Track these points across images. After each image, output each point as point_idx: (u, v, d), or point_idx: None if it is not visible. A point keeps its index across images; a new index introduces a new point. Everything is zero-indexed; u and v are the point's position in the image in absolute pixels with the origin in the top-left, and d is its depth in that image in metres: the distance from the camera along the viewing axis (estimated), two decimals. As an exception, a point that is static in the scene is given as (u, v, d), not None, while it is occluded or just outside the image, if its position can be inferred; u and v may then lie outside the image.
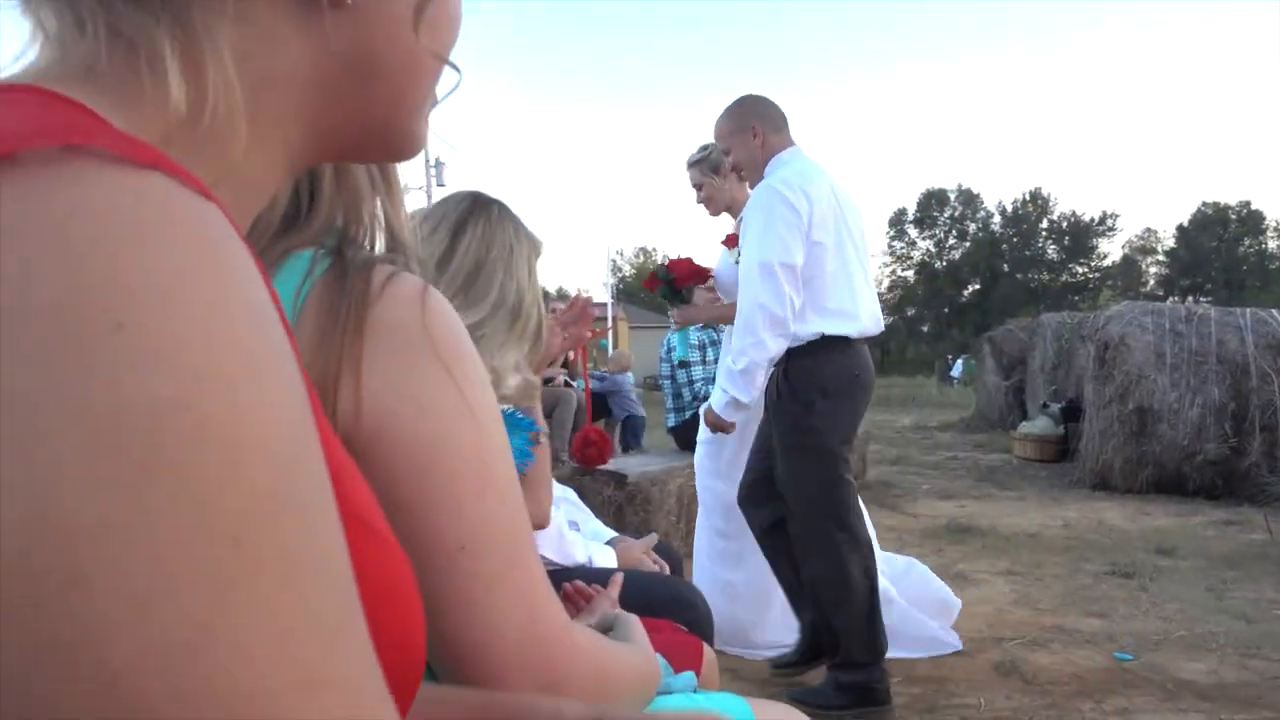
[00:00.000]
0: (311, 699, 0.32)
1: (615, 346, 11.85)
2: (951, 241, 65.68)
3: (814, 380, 2.73)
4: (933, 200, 65.18)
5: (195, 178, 0.35)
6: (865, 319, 2.80)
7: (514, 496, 0.70)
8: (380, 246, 0.76)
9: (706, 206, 3.43)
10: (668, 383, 5.44)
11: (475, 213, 1.50)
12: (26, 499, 0.27)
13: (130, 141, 0.34)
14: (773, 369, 2.81)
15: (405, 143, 0.57)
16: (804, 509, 2.77)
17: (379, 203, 0.75)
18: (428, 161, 25.26)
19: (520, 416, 1.47)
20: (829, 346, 2.73)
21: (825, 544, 2.73)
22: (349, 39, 0.49)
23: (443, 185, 25.42)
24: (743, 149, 2.91)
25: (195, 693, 0.29)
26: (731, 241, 3.42)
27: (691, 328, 5.31)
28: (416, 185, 24.86)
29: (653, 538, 2.28)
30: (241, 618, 0.30)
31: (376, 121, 0.54)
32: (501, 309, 1.44)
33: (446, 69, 0.57)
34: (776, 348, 2.68)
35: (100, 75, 0.42)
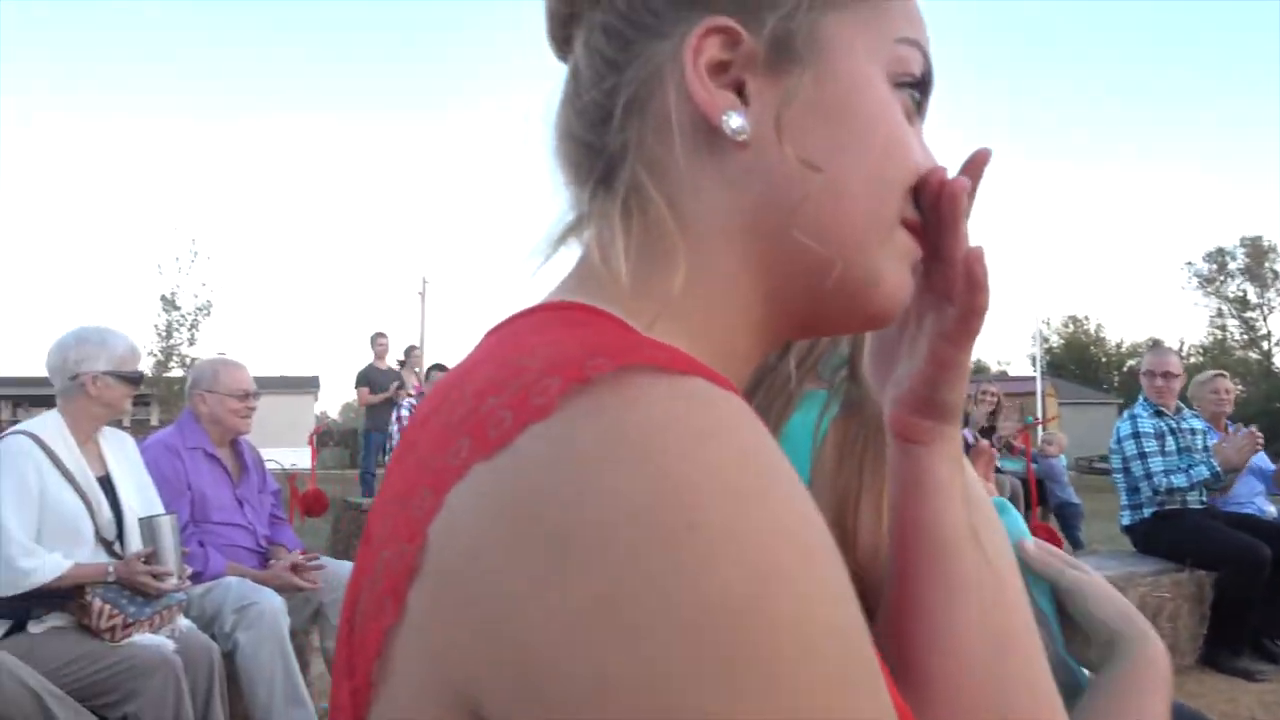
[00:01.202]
0: None
1: (1044, 424, 10.98)
2: None
3: None
4: None
5: (723, 377, 0.39)
6: None
7: None
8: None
9: None
10: (1120, 476, 4.88)
11: None
12: (638, 689, 0.31)
13: (667, 350, 0.39)
14: None
15: (868, 292, 0.51)
16: None
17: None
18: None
19: None
20: None
21: None
22: (757, 178, 0.48)
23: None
24: None
25: None
26: None
27: (1144, 413, 4.79)
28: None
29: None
30: None
31: (823, 270, 0.49)
32: None
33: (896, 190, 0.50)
34: None
35: (595, 273, 0.48)
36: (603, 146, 0.50)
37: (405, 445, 0.43)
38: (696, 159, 0.48)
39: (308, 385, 35.34)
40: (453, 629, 0.35)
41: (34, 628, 2.43)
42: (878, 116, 0.49)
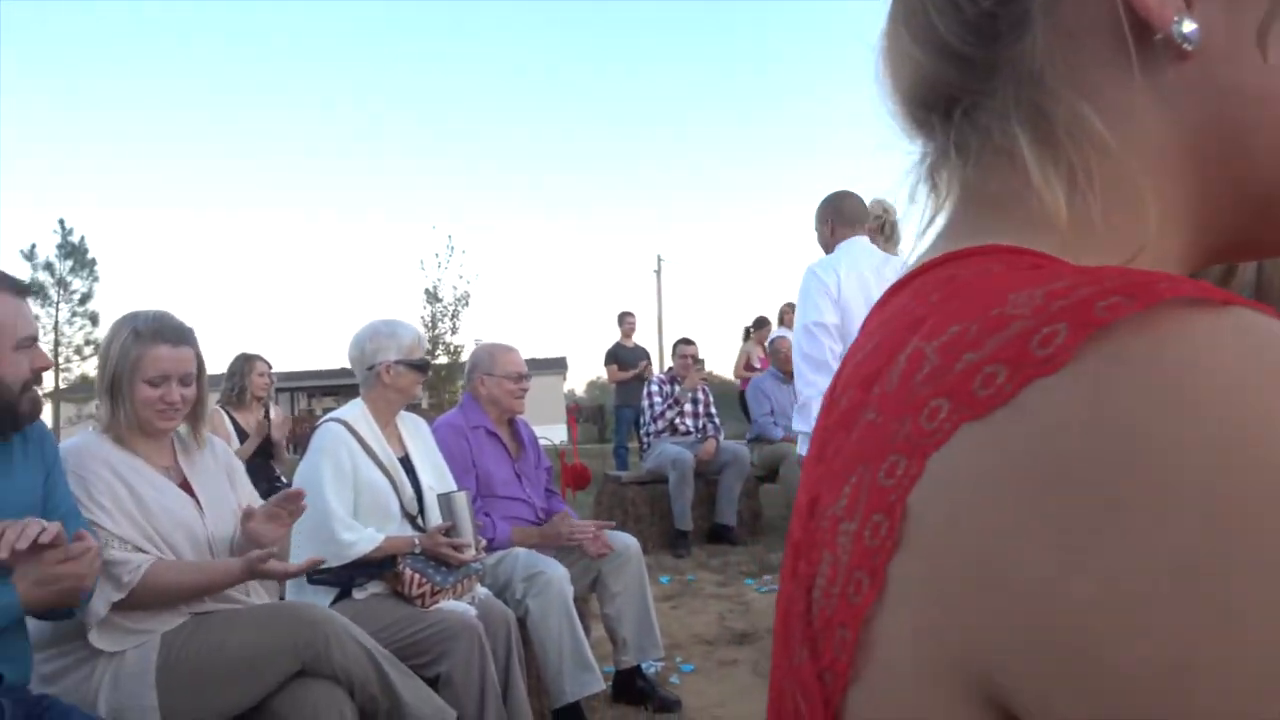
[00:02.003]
0: None
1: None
2: None
3: None
4: None
5: (1268, 305, 0.32)
6: None
7: None
8: None
9: None
10: None
11: None
12: (1240, 681, 0.26)
13: (1190, 282, 0.32)
14: None
15: None
16: None
17: None
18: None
19: None
20: None
21: None
22: (1204, 94, 0.41)
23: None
24: (820, 233, 3.82)
25: None
26: None
27: None
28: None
29: None
30: None
31: (1271, 193, 0.43)
32: None
33: None
34: (823, 383, 3.30)
35: (1017, 212, 0.43)
36: (1001, 63, 0.44)
37: (848, 411, 0.40)
38: (1128, 75, 0.42)
39: (557, 366, 37.12)
40: (957, 608, 0.32)
41: (357, 594, 2.70)
42: None
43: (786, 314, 9.71)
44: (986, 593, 0.31)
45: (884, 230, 4.11)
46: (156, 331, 2.18)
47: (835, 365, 3.66)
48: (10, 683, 1.78)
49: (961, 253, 0.43)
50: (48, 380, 1.94)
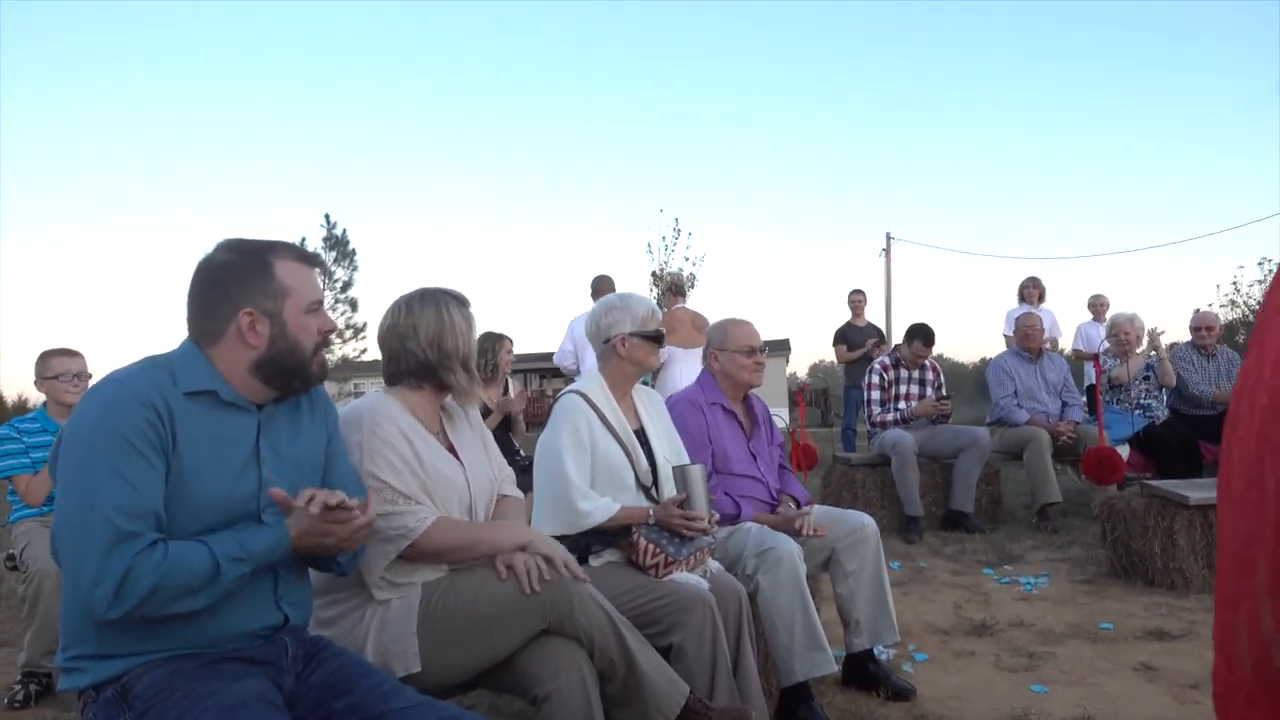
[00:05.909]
0: None
1: None
2: None
3: None
4: None
5: None
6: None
7: None
8: None
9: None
10: None
11: None
12: None
13: None
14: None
15: None
16: None
17: None
18: None
19: None
20: None
21: None
22: None
23: None
24: None
25: None
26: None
27: None
28: None
29: None
30: None
31: None
32: None
33: None
34: (565, 370, 7.70)
35: None
36: None
37: None
38: None
39: (781, 348, 36.84)
40: None
41: (593, 561, 2.76)
42: None
43: (1027, 288, 9.13)
44: None
45: (674, 287, 7.94)
46: (454, 298, 2.45)
47: (571, 365, 7.50)
48: (294, 624, 1.95)
49: None
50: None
